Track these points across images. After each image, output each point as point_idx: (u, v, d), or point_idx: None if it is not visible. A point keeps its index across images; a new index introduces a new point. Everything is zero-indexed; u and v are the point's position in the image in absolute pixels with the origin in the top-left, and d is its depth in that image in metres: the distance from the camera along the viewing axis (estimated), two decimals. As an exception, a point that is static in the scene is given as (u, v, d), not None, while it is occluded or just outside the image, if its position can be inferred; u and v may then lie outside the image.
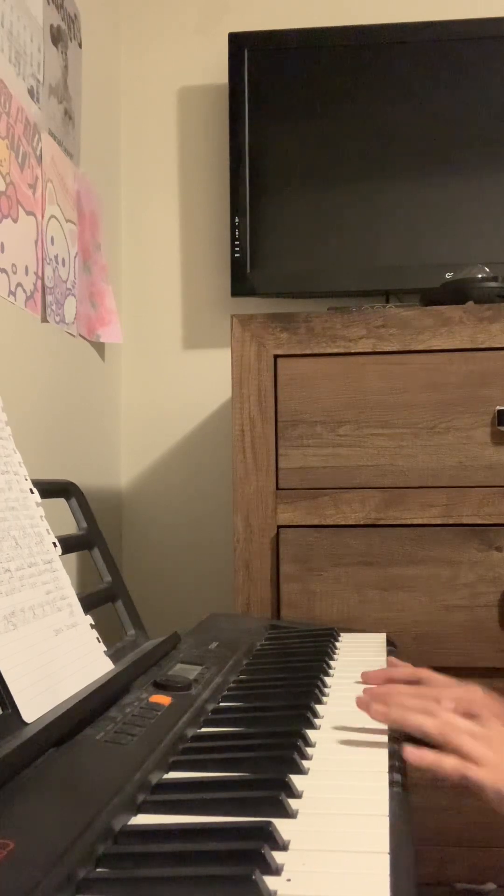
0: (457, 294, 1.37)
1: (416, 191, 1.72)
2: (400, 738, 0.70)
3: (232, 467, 1.35)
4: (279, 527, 1.33)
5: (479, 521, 1.30)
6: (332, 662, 0.93)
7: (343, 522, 1.32)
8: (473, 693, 0.81)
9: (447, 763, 0.68)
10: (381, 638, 1.08)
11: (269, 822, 0.50)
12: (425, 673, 0.85)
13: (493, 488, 1.30)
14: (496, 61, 1.71)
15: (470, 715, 0.73)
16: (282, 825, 0.51)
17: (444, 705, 0.74)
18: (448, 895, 1.23)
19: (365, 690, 0.77)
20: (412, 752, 0.67)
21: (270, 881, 0.45)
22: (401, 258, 1.71)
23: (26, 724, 0.62)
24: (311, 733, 0.69)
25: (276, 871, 0.47)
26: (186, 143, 1.92)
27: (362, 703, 0.73)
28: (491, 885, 1.23)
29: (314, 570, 1.32)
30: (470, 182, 1.71)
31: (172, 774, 0.61)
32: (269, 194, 1.75)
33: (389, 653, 1.00)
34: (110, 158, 1.86)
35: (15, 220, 1.26)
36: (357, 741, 0.69)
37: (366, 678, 0.85)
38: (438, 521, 1.30)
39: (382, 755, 0.66)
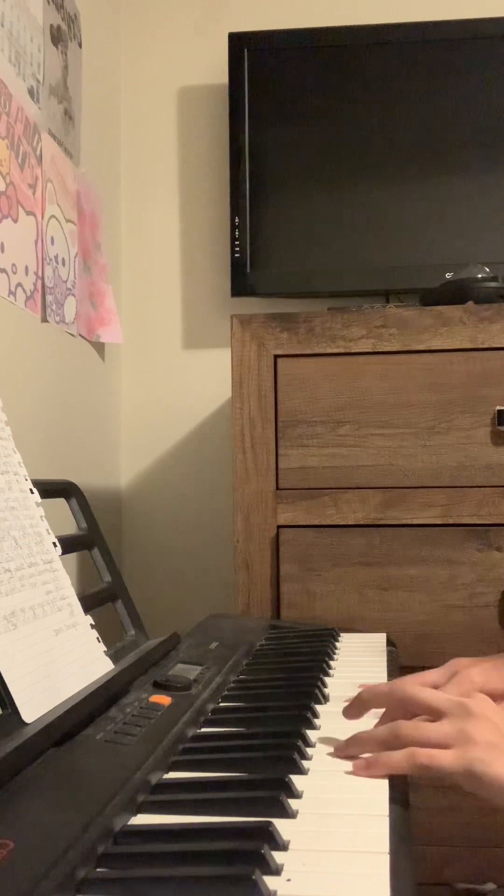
0: (457, 294, 1.37)
1: (416, 191, 1.72)
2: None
3: (232, 467, 1.35)
4: (279, 527, 1.33)
5: (478, 521, 1.30)
6: (332, 662, 0.93)
7: (343, 522, 1.32)
8: (464, 680, 0.79)
9: (395, 757, 0.59)
10: (381, 638, 1.08)
11: (269, 823, 0.50)
12: (400, 685, 0.82)
13: (493, 488, 1.30)
14: (496, 61, 1.71)
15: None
16: (282, 825, 0.51)
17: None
18: (448, 895, 1.23)
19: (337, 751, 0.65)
20: (357, 765, 0.61)
21: (270, 881, 0.45)
22: (401, 258, 1.71)
23: (26, 724, 0.62)
24: (311, 733, 0.69)
25: (276, 871, 0.47)
26: (186, 143, 1.92)
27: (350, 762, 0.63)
28: (491, 885, 1.23)
29: (314, 570, 1.32)
30: (470, 182, 1.71)
31: (172, 774, 0.61)
32: (268, 194, 1.75)
33: (389, 653, 1.00)
34: (110, 158, 1.86)
35: (15, 220, 1.26)
36: (357, 741, 0.69)
37: (347, 715, 0.75)
38: (438, 521, 1.30)
39: (382, 755, 0.66)
